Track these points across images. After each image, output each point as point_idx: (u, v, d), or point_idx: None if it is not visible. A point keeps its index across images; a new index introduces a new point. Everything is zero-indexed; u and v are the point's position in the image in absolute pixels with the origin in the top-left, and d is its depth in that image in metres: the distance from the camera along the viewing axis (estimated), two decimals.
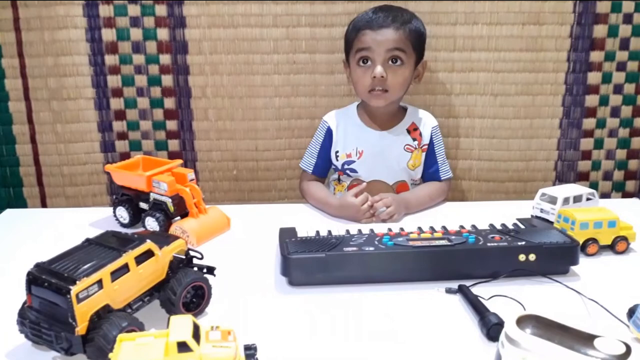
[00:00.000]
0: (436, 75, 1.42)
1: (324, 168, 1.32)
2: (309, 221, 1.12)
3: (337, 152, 1.30)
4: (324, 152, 1.31)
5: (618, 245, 0.97)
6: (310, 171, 1.31)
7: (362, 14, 1.24)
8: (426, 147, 1.30)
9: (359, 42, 1.21)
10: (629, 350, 0.55)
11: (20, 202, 1.47)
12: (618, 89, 1.42)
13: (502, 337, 0.60)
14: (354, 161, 1.28)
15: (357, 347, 0.71)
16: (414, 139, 1.28)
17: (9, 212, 1.23)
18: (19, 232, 1.11)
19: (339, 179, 1.33)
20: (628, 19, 1.36)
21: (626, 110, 1.44)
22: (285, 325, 0.77)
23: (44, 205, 1.49)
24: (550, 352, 0.56)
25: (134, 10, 1.36)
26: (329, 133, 1.30)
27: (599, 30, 1.37)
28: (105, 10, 1.36)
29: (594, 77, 1.41)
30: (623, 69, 1.40)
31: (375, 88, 1.20)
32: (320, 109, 1.39)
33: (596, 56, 1.39)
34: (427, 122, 1.31)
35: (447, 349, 0.71)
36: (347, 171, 1.30)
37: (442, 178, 1.30)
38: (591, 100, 1.42)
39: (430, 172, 1.31)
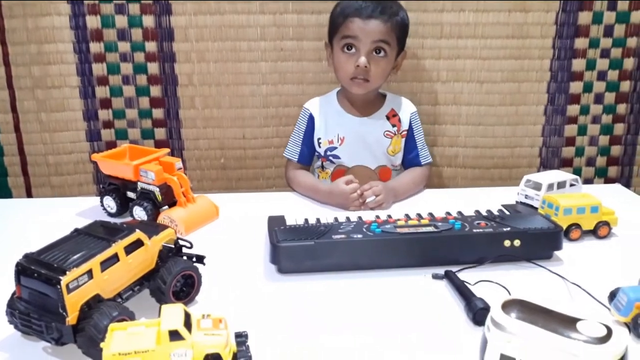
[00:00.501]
0: (423, 63, 1.42)
1: (308, 155, 1.33)
2: (297, 209, 1.13)
3: (319, 138, 1.31)
4: (307, 139, 1.31)
5: (600, 230, 0.99)
6: (296, 159, 1.31)
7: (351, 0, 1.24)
8: (405, 132, 1.31)
9: (346, 28, 1.21)
10: (609, 332, 0.57)
11: (5, 192, 1.46)
12: (602, 76, 1.44)
13: (487, 321, 0.61)
14: (336, 147, 1.30)
15: (346, 333, 0.72)
16: (393, 125, 1.30)
17: None
18: (5, 223, 1.10)
19: (322, 166, 1.34)
20: (612, 5, 1.38)
21: (609, 97, 1.46)
22: (275, 313, 0.77)
23: (29, 195, 1.48)
24: (535, 336, 0.58)
25: None
26: (311, 120, 1.31)
27: (584, 17, 1.38)
28: None
29: (578, 64, 1.42)
30: (607, 55, 1.42)
31: (358, 76, 1.21)
32: (307, 97, 1.38)
33: (581, 43, 1.40)
34: (406, 109, 1.32)
35: (434, 333, 0.72)
36: (330, 157, 1.31)
37: (423, 163, 1.32)
38: (575, 87, 1.44)
39: (410, 158, 1.33)
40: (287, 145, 1.34)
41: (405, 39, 1.28)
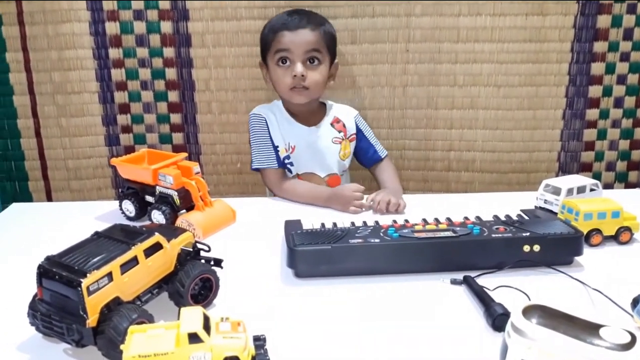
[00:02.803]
0: (439, 67, 1.42)
1: (280, 158, 1.30)
2: (314, 213, 1.13)
3: (277, 147, 1.29)
4: (272, 142, 1.29)
5: (622, 236, 0.97)
6: (276, 165, 1.27)
7: (277, 16, 1.28)
8: (354, 136, 1.34)
9: (277, 43, 1.24)
10: (634, 339, 0.56)
11: (25, 196, 1.48)
12: (621, 80, 1.42)
13: (508, 327, 0.60)
14: (289, 156, 1.30)
15: (363, 337, 0.72)
16: (339, 131, 1.33)
17: (14, 206, 1.24)
18: (26, 226, 1.12)
19: None
20: (632, 8, 1.36)
21: (629, 101, 1.44)
22: (292, 316, 0.77)
23: (49, 199, 1.50)
24: (556, 342, 0.57)
25: (137, 3, 1.37)
26: (266, 124, 1.29)
27: (603, 21, 1.37)
28: (108, 4, 1.36)
29: (597, 68, 1.40)
30: (627, 59, 1.40)
31: (297, 86, 1.23)
32: None
33: (600, 47, 1.39)
34: (348, 113, 1.36)
35: (453, 339, 0.72)
36: (288, 165, 1.31)
37: (382, 156, 1.36)
38: (594, 90, 1.42)
39: (369, 156, 1.36)
40: (254, 156, 1.28)
41: (335, 49, 1.31)
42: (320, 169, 1.32)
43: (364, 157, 1.37)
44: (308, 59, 1.24)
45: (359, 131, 1.35)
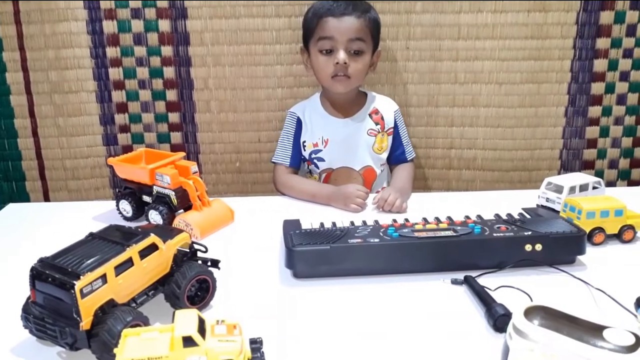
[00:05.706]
0: (440, 64, 1.40)
1: (299, 159, 1.33)
2: (312, 213, 1.12)
3: (304, 142, 1.31)
4: (296, 142, 1.32)
5: (625, 234, 0.96)
6: (288, 164, 1.31)
7: (322, 1, 1.25)
8: (391, 130, 1.32)
9: (321, 30, 1.22)
10: (638, 341, 0.55)
11: (22, 196, 1.47)
12: (624, 77, 1.40)
13: (509, 328, 0.59)
14: (320, 150, 1.30)
15: (363, 339, 0.71)
16: (377, 123, 1.31)
17: (11, 206, 1.23)
18: (22, 227, 1.11)
19: (309, 171, 1.34)
20: (635, 5, 1.35)
21: (632, 98, 1.42)
22: (290, 318, 0.76)
23: (46, 199, 1.49)
24: (559, 344, 0.56)
25: (134, 2, 1.35)
26: (299, 123, 1.32)
27: (606, 17, 1.35)
28: (106, 2, 1.35)
29: (600, 65, 1.39)
30: (630, 55, 1.39)
31: (338, 74, 1.22)
32: None
33: (602, 43, 1.37)
34: (389, 107, 1.34)
35: (453, 340, 0.70)
36: (315, 160, 1.31)
37: (409, 158, 1.35)
38: (597, 87, 1.41)
39: (397, 155, 1.34)
40: (276, 150, 1.33)
41: (378, 36, 1.29)
42: (354, 161, 1.31)
43: (391, 155, 1.35)
44: (351, 47, 1.22)
45: (395, 127, 1.33)
